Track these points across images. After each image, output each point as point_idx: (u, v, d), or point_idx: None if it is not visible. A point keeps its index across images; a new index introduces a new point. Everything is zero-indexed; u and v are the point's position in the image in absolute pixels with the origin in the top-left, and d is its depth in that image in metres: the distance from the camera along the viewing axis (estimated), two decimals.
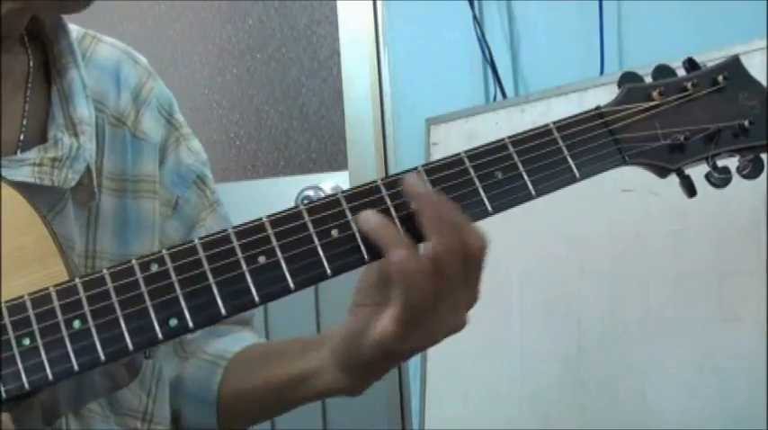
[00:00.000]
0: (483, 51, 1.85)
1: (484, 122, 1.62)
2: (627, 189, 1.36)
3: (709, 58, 1.29)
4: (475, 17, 1.84)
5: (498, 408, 1.53)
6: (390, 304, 0.79)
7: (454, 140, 1.68)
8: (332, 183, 2.07)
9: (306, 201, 0.80)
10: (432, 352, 1.66)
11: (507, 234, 1.53)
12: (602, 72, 1.67)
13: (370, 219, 0.78)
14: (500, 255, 1.52)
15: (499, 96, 1.82)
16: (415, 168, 0.82)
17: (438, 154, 1.70)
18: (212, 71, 2.30)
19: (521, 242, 1.50)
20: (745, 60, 0.94)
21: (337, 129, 2.16)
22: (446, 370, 1.64)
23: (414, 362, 1.88)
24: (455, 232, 0.78)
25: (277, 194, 2.10)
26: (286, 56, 2.24)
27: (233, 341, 1.05)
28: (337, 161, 2.16)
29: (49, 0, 0.91)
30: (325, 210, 0.80)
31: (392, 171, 2.02)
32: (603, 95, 1.39)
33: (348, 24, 2.08)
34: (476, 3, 1.85)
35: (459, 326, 0.82)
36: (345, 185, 2.06)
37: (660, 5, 1.64)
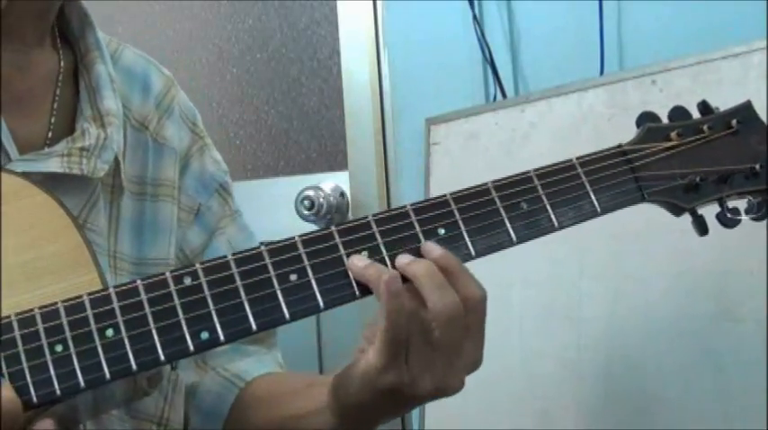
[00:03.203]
0: (483, 51, 1.85)
1: (484, 122, 1.62)
2: None
3: (709, 58, 1.29)
4: (475, 17, 1.84)
5: (498, 407, 1.53)
6: (377, 336, 0.79)
7: (454, 140, 1.68)
8: (332, 183, 2.07)
9: (337, 224, 0.82)
10: None
11: None
12: (602, 72, 1.67)
13: (355, 263, 0.80)
14: (500, 254, 1.52)
15: (499, 96, 1.82)
16: (444, 196, 0.84)
17: (438, 154, 1.70)
18: (212, 71, 2.30)
19: None
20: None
21: (337, 129, 2.16)
22: None
23: None
24: (452, 291, 0.80)
25: (277, 194, 2.09)
26: (286, 56, 2.24)
27: (255, 364, 1.05)
28: (337, 161, 2.16)
29: None
30: (356, 232, 0.82)
31: (392, 171, 2.01)
32: (603, 95, 1.39)
33: (348, 24, 2.08)
34: (476, 3, 1.85)
35: (452, 387, 0.82)
36: (345, 185, 2.06)
37: (660, 5, 1.64)
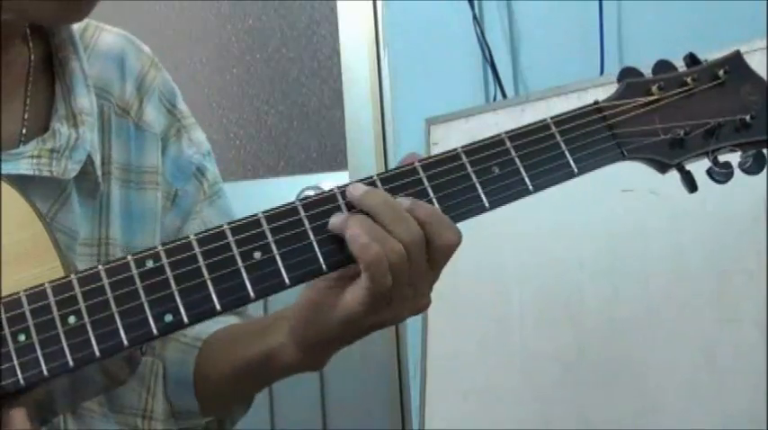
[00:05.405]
0: (483, 51, 1.85)
1: (484, 122, 1.62)
2: (627, 188, 1.36)
3: (710, 58, 1.29)
4: (475, 17, 1.84)
5: (498, 407, 1.53)
6: (356, 287, 0.79)
7: (454, 140, 1.67)
8: (332, 183, 2.06)
9: (302, 198, 0.81)
10: (432, 351, 1.66)
11: (507, 233, 1.53)
12: (602, 72, 1.67)
13: (337, 216, 0.79)
14: (500, 254, 1.52)
15: (499, 96, 1.82)
16: (412, 163, 0.82)
17: None
18: (212, 71, 2.30)
19: (520, 241, 1.50)
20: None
21: (337, 129, 2.16)
22: (446, 369, 1.64)
23: (413, 362, 1.88)
24: (412, 220, 0.78)
25: (277, 194, 2.09)
26: (286, 56, 2.24)
27: (212, 324, 1.04)
28: (337, 161, 2.17)
29: (44, 14, 0.89)
30: (322, 205, 0.80)
31: None
32: (603, 95, 1.39)
33: (348, 24, 2.08)
34: (476, 3, 1.85)
35: (424, 306, 0.82)
36: None
37: (660, 5, 1.64)
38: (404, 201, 0.79)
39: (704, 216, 1.27)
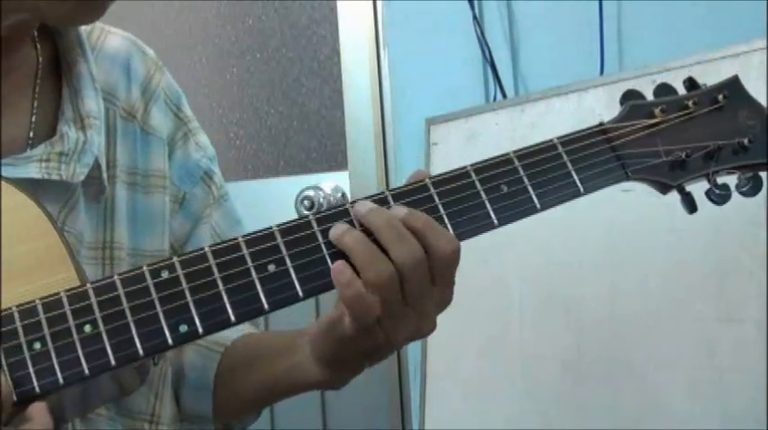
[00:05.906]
0: (483, 51, 1.85)
1: (484, 122, 1.62)
2: (627, 189, 1.36)
3: (709, 58, 1.30)
4: (475, 17, 1.84)
5: (498, 407, 1.53)
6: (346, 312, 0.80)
7: (454, 140, 1.68)
8: (332, 183, 2.07)
9: (314, 211, 0.82)
10: (432, 351, 1.67)
11: (506, 233, 1.53)
12: (602, 72, 1.67)
13: (338, 234, 0.80)
14: (499, 255, 1.52)
15: (499, 96, 1.82)
16: (423, 180, 0.84)
17: (438, 154, 1.70)
18: (212, 71, 2.31)
19: (520, 241, 1.50)
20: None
21: (337, 129, 2.16)
22: (446, 369, 1.64)
23: (414, 362, 1.88)
24: (413, 239, 0.79)
25: (277, 194, 2.10)
26: (286, 56, 2.24)
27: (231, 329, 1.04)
28: (337, 161, 2.17)
29: (59, 13, 0.89)
30: (335, 218, 0.81)
31: (392, 171, 2.02)
32: (603, 95, 1.39)
33: (348, 24, 2.08)
34: (476, 3, 1.85)
35: (428, 331, 0.82)
36: (345, 185, 2.06)
37: (660, 5, 1.64)
38: (400, 211, 0.80)
39: (704, 216, 1.27)
